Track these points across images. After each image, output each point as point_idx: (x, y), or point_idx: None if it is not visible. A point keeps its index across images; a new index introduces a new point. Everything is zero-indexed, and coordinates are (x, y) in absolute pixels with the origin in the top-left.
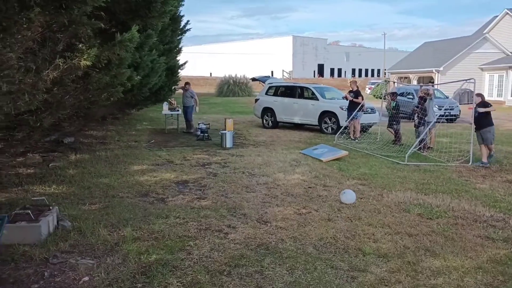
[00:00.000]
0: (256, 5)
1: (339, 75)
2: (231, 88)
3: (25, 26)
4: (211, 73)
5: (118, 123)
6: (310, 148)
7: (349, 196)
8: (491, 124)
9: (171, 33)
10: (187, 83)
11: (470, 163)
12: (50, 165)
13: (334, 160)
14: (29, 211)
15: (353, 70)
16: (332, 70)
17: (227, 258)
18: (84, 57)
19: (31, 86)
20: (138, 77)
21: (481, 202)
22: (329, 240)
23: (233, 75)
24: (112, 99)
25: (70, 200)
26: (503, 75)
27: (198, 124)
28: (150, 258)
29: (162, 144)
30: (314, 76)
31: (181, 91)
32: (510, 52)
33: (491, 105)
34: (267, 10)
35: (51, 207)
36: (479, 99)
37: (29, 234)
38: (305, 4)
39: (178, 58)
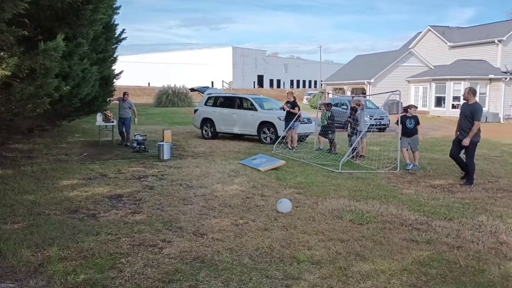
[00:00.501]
0: (196, 15)
1: (278, 86)
2: (170, 98)
3: None
4: (149, 83)
5: (47, 136)
6: (249, 158)
7: (285, 205)
8: (417, 131)
9: (105, 41)
10: (125, 93)
11: (397, 170)
12: None
13: (272, 169)
14: None
15: (292, 81)
16: (271, 81)
17: (161, 273)
18: (3, 66)
19: None
20: (67, 87)
21: (407, 207)
22: (265, 250)
23: (172, 85)
24: (38, 110)
25: None
26: (427, 87)
27: (135, 135)
28: (78, 278)
29: (96, 157)
30: (254, 87)
31: (116, 102)
32: (433, 66)
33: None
34: (207, 20)
35: None
36: (413, 111)
37: None
38: (244, 15)
39: (113, 68)
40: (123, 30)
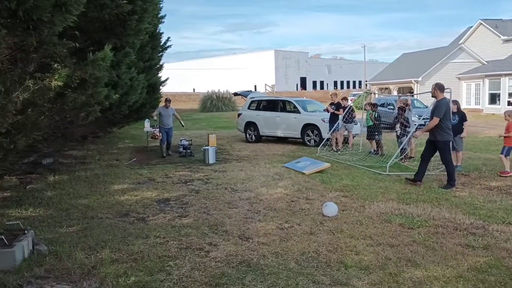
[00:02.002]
0: (239, 20)
1: (322, 87)
2: (214, 103)
3: None
4: (194, 89)
5: (99, 142)
6: (293, 161)
7: (331, 209)
8: (462, 131)
9: (151, 50)
10: (168, 100)
11: None
12: (27, 187)
13: (316, 172)
14: (2, 237)
15: (335, 82)
16: (314, 83)
17: (207, 277)
18: (55, 77)
19: (0, 109)
20: (116, 95)
21: (461, 210)
22: (311, 254)
23: (216, 91)
24: (90, 118)
25: (47, 223)
26: (479, 83)
27: (181, 140)
28: (129, 280)
29: (144, 162)
30: (297, 89)
31: (157, 113)
32: (486, 61)
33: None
34: (250, 25)
35: (26, 231)
36: (455, 107)
37: (2, 260)
38: (286, 19)
39: (159, 75)
40: (168, 38)
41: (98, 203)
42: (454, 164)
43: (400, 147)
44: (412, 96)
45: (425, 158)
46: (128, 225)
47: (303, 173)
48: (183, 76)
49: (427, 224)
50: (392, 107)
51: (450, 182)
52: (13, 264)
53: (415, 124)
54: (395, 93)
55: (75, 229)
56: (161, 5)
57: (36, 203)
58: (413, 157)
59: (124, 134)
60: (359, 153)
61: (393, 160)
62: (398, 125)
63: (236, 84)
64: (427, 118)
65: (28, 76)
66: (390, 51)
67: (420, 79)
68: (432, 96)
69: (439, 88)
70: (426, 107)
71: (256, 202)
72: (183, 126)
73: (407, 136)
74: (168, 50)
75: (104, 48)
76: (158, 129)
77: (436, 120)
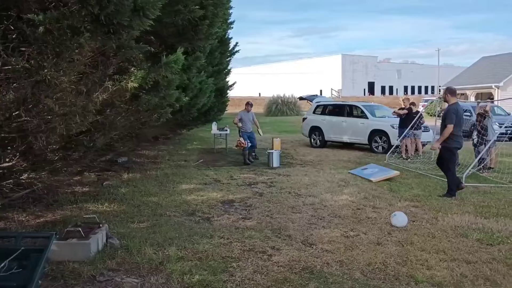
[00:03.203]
0: (306, 25)
1: (391, 92)
2: (279, 107)
3: (76, 51)
4: (260, 93)
5: (170, 143)
6: (360, 168)
7: (400, 219)
8: None
9: (220, 55)
10: (249, 103)
11: None
12: (103, 183)
13: (384, 180)
14: (80, 229)
15: (405, 88)
16: (383, 88)
17: (270, 281)
18: (132, 79)
19: (82, 108)
20: (186, 98)
21: None
22: (378, 266)
23: (281, 95)
24: (161, 119)
25: (120, 218)
26: None
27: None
28: (193, 278)
29: (210, 163)
30: (365, 94)
31: (238, 119)
32: None
33: None
34: (317, 29)
35: (101, 225)
36: None
37: (79, 251)
38: (355, 22)
39: (227, 80)
40: (236, 43)
41: (166, 201)
42: None
43: (478, 157)
44: (492, 102)
45: (438, 164)
46: (194, 224)
47: (370, 181)
48: (250, 81)
49: (509, 241)
50: (469, 114)
51: (450, 191)
52: (88, 255)
53: (496, 132)
54: (472, 99)
55: (145, 225)
56: (230, 11)
57: (111, 199)
58: (493, 168)
59: (193, 136)
60: (431, 162)
61: (470, 170)
62: (475, 133)
63: (302, 89)
64: (510, 126)
65: (107, 78)
66: (469, 54)
67: (501, 84)
68: (444, 101)
69: (450, 92)
70: (509, 114)
71: (320, 208)
72: (260, 135)
73: (485, 145)
74: (236, 55)
75: (176, 52)
76: (241, 136)
77: (450, 128)
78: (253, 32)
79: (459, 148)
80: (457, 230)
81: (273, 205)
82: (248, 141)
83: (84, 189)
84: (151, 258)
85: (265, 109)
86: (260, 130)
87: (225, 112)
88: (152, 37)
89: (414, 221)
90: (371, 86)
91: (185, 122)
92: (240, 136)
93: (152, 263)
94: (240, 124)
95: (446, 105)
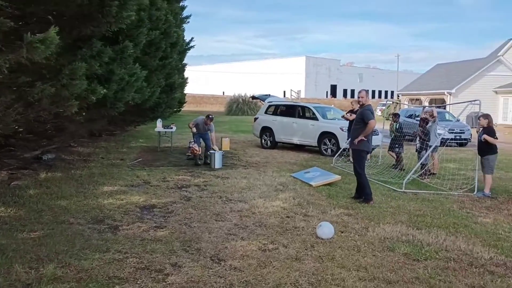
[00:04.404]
0: (273, 26)
1: (352, 96)
2: (240, 106)
3: None
4: (223, 92)
5: (113, 140)
6: (302, 171)
7: (326, 230)
8: (493, 151)
9: (170, 49)
10: (209, 117)
11: (474, 192)
12: (11, 184)
13: (325, 185)
14: None
15: (366, 92)
16: (345, 91)
17: None
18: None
19: None
20: (104, 90)
21: (480, 241)
22: (288, 287)
23: (243, 94)
24: (66, 113)
25: (9, 225)
26: None
27: (190, 142)
28: None
29: (148, 163)
30: (327, 97)
31: (194, 129)
32: None
33: (496, 136)
34: (283, 31)
35: None
36: (485, 122)
37: None
38: (321, 25)
39: (182, 76)
40: (192, 38)
41: (76, 206)
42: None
43: (419, 162)
44: (440, 107)
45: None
46: (96, 234)
47: (310, 185)
48: (214, 79)
49: (437, 256)
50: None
51: (366, 197)
52: None
53: (442, 138)
54: (426, 104)
55: (36, 235)
56: (182, 4)
57: (12, 202)
58: (435, 173)
59: (142, 133)
60: (377, 166)
61: (410, 176)
62: (417, 138)
63: (266, 89)
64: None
65: None
66: (427, 61)
67: (453, 91)
68: (358, 104)
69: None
70: (458, 120)
71: (247, 216)
72: (215, 150)
73: (426, 150)
74: (202, 53)
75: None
76: (193, 141)
77: (373, 123)
78: (221, 30)
79: (369, 152)
80: (385, 242)
81: (196, 212)
82: (201, 143)
83: None
84: (19, 278)
85: (226, 108)
86: (215, 147)
87: (182, 109)
88: (50, 17)
89: (342, 232)
90: (333, 88)
91: (132, 118)
92: (194, 141)
93: (17, 286)
94: (194, 130)
95: (401, 109)
